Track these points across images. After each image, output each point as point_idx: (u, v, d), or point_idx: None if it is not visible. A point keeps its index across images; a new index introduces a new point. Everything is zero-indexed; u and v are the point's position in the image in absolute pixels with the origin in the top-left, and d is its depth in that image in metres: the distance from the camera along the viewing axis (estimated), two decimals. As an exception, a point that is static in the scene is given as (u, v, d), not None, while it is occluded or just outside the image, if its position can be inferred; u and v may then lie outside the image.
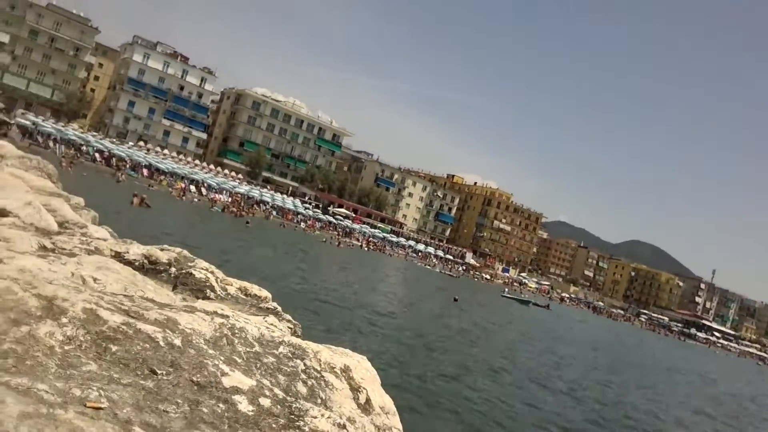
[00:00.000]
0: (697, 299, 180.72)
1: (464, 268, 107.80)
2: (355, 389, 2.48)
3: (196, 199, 64.84)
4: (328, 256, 47.88)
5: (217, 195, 73.75)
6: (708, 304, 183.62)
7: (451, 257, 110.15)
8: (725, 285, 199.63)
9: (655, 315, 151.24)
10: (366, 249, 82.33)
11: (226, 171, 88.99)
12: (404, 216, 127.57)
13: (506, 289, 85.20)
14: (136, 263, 3.47)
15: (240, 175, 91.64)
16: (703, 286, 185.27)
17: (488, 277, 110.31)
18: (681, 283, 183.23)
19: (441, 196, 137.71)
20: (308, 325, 14.47)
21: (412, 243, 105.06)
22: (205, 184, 75.34)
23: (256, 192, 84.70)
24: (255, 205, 78.30)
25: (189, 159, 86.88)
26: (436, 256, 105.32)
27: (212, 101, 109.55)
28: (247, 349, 2.18)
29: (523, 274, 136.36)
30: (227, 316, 2.35)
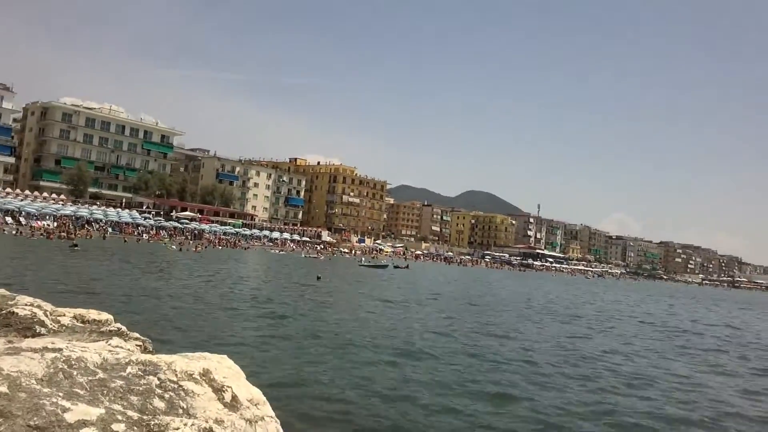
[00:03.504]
0: (529, 232, 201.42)
1: (322, 246, 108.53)
2: (218, 390, 2.44)
3: (15, 232, 57.54)
4: (178, 262, 45.39)
5: (38, 222, 66.20)
6: (539, 235, 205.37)
7: (307, 239, 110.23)
8: (550, 216, 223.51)
9: (497, 254, 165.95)
10: (219, 247, 79.35)
11: (45, 194, 79.79)
12: (254, 207, 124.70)
13: (363, 258, 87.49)
14: (-58, 316, 3.04)
15: (62, 196, 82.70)
16: (532, 220, 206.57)
17: (347, 251, 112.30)
18: (513, 222, 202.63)
19: (287, 180, 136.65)
20: (169, 338, 13.73)
21: (266, 232, 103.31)
22: (23, 213, 67.23)
23: (84, 211, 77.27)
24: (87, 225, 71.47)
25: (-2, 188, 76.45)
26: (292, 240, 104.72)
27: (14, 120, 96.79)
28: (90, 378, 2.04)
29: (378, 241, 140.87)
30: (60, 349, 2.17)
